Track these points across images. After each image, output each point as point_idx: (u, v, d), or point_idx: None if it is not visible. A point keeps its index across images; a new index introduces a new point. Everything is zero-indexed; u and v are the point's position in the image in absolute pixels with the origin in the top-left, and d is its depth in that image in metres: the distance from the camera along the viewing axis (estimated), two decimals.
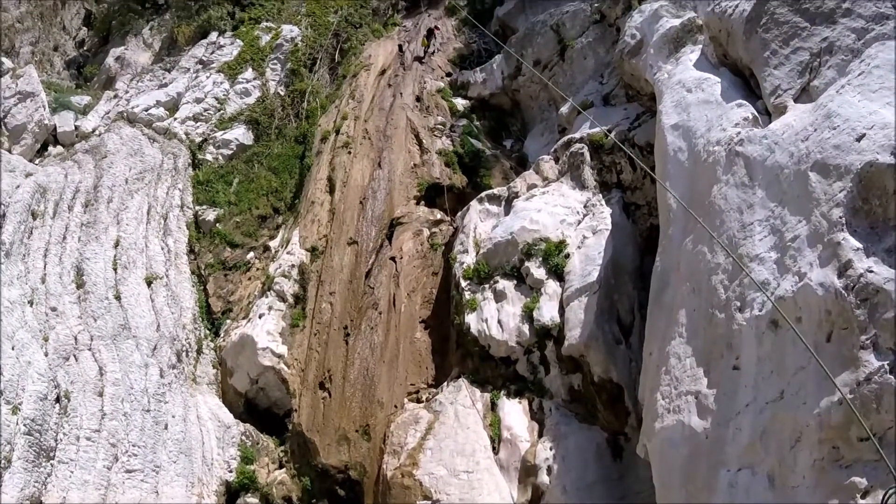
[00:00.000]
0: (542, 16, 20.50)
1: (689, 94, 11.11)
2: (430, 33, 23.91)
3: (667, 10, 13.74)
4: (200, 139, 21.10)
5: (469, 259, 14.97)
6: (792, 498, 6.70)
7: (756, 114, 9.66)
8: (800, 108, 8.68)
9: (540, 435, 12.35)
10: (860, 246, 6.76)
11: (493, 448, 12.58)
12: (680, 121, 10.95)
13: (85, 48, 28.82)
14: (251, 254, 18.56)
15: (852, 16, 8.66)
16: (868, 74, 7.77)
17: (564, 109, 17.75)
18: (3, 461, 10.65)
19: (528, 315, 13.32)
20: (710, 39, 11.71)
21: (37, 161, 18.89)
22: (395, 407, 14.29)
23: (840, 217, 7.03)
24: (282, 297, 16.71)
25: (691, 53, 12.23)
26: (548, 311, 13.03)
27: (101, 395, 13.01)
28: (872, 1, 8.49)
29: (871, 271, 6.52)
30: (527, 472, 12.00)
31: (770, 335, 7.62)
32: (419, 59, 23.12)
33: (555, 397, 12.70)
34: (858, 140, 7.22)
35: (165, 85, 22.62)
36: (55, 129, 19.98)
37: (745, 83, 10.51)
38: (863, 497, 6.01)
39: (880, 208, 6.85)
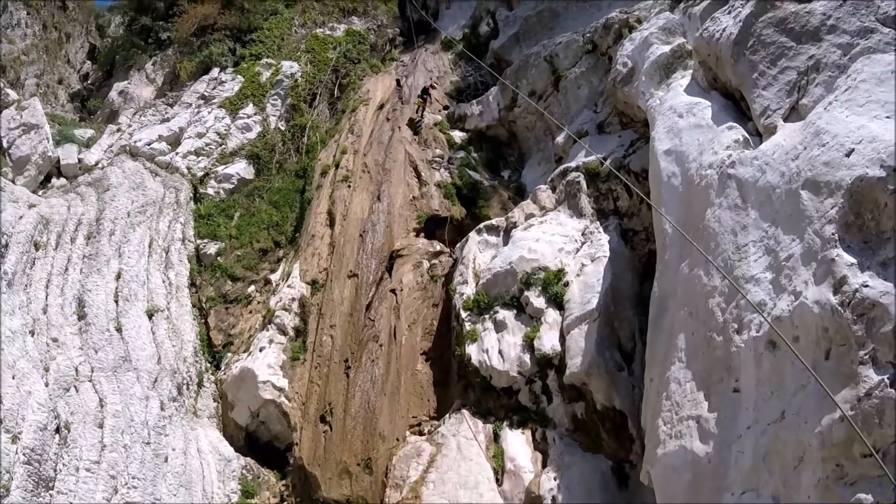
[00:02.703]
0: (536, 48, 20.87)
1: (681, 120, 11.23)
2: (426, 92, 22.19)
3: (657, 38, 13.99)
4: (202, 173, 21.34)
5: (469, 290, 14.98)
6: None
7: (747, 135, 9.76)
8: (789, 128, 8.74)
9: (544, 465, 12.20)
10: (854, 261, 6.74)
11: (497, 479, 12.42)
12: (672, 146, 11.05)
13: (89, 82, 29.41)
14: (252, 287, 18.61)
15: (837, 32, 8.78)
16: (855, 89, 7.82)
17: (560, 139, 17.95)
18: (1, 490, 10.53)
19: (528, 344, 13.28)
20: (699, 64, 11.86)
21: (40, 193, 19.08)
22: (397, 440, 14.14)
23: (833, 233, 7.03)
24: (282, 331, 16.70)
25: (682, 79, 12.40)
26: (548, 340, 13.00)
27: (101, 426, 12.92)
28: (856, 16, 8.60)
29: (867, 286, 6.50)
30: (531, 503, 11.81)
31: (769, 356, 7.58)
32: (415, 123, 21.50)
33: (558, 426, 12.59)
34: (848, 155, 7.25)
35: (168, 119, 22.96)
36: (59, 161, 20.21)
37: (735, 105, 10.62)
38: None
39: (873, 222, 6.84)
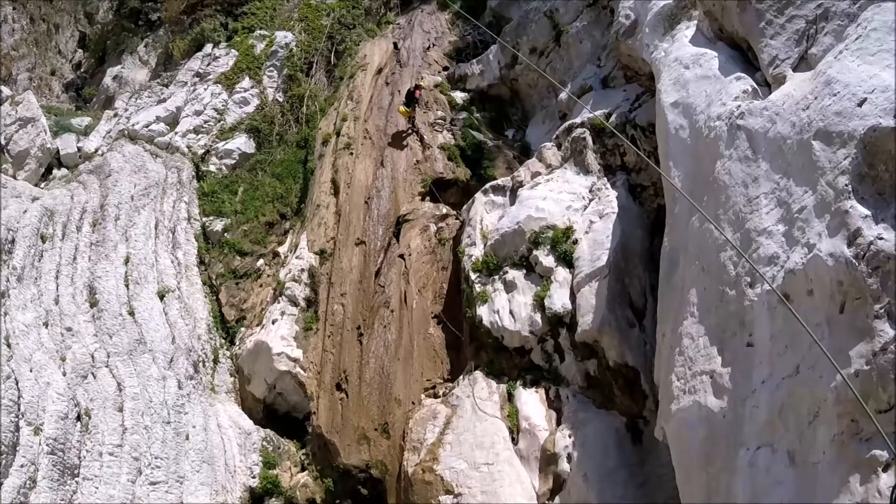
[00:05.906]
0: (535, 3, 20.39)
1: (687, 71, 10.96)
2: (411, 95, 19.53)
3: None
4: (203, 151, 21.19)
5: (477, 251, 14.91)
6: (813, 474, 6.56)
7: (756, 86, 9.50)
8: (799, 77, 8.50)
9: (558, 423, 12.27)
10: (868, 213, 6.58)
11: (512, 439, 12.53)
12: (679, 98, 10.81)
13: (82, 70, 29.04)
14: (261, 261, 18.64)
15: None
16: (866, 38, 7.56)
17: (564, 95, 17.62)
18: (28, 482, 10.76)
19: (539, 304, 13.23)
20: (704, 14, 11.53)
21: (42, 185, 19.04)
22: (413, 403, 14.29)
23: (846, 185, 6.85)
24: (294, 302, 16.77)
25: (687, 30, 12.05)
26: (559, 299, 12.94)
27: (121, 410, 13.12)
28: None
29: (882, 238, 6.35)
30: (547, 460, 11.95)
31: (783, 310, 7.46)
32: (404, 136, 19.48)
33: (571, 384, 12.61)
34: (860, 105, 7.04)
35: (164, 100, 22.69)
36: (58, 152, 20.11)
37: (742, 56, 10.33)
38: (884, 470, 5.86)
39: (887, 173, 6.66)
